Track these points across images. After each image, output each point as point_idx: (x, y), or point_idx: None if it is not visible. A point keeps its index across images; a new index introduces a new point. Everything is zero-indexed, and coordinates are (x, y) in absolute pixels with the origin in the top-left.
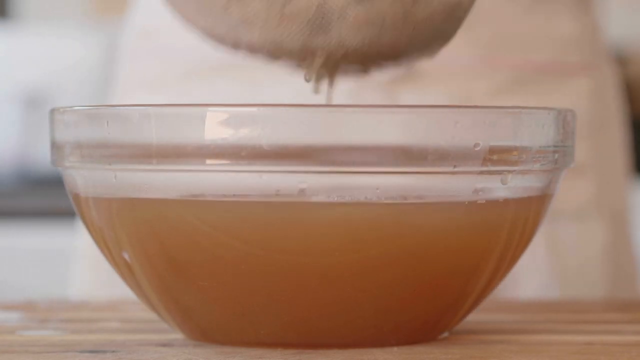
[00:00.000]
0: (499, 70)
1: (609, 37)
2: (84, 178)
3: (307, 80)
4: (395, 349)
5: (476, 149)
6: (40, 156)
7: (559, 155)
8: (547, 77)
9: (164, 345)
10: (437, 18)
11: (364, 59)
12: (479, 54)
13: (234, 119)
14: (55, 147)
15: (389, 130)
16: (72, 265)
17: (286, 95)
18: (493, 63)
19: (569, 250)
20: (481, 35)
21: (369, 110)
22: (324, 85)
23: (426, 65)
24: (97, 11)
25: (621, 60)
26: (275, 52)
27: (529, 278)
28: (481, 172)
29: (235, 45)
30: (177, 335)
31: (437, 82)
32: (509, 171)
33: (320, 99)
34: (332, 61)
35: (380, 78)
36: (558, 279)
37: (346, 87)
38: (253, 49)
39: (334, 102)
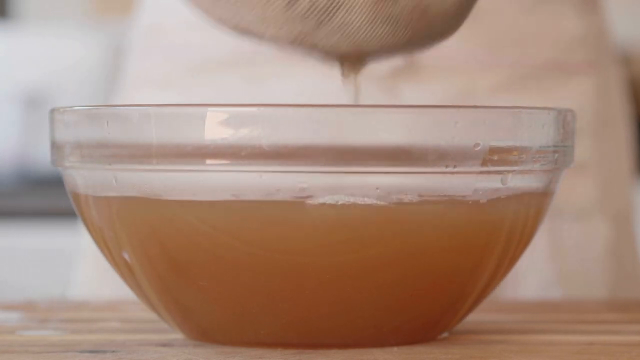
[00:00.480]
0: (501, 67)
1: (614, 36)
2: (84, 178)
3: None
4: (395, 349)
5: (476, 149)
6: (40, 156)
7: (559, 155)
8: (551, 75)
9: (164, 345)
10: (451, 10)
11: (377, 52)
12: (482, 49)
13: (234, 118)
14: (55, 147)
15: (389, 130)
16: (75, 264)
17: (292, 91)
18: (496, 59)
19: (572, 250)
20: (485, 30)
21: (369, 110)
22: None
23: (428, 59)
24: (97, 11)
25: (626, 59)
26: (293, 44)
27: (531, 278)
28: (481, 172)
29: (258, 35)
30: (177, 335)
31: (439, 77)
32: (509, 171)
33: (321, 98)
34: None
35: (381, 72)
36: (560, 279)
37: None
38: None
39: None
